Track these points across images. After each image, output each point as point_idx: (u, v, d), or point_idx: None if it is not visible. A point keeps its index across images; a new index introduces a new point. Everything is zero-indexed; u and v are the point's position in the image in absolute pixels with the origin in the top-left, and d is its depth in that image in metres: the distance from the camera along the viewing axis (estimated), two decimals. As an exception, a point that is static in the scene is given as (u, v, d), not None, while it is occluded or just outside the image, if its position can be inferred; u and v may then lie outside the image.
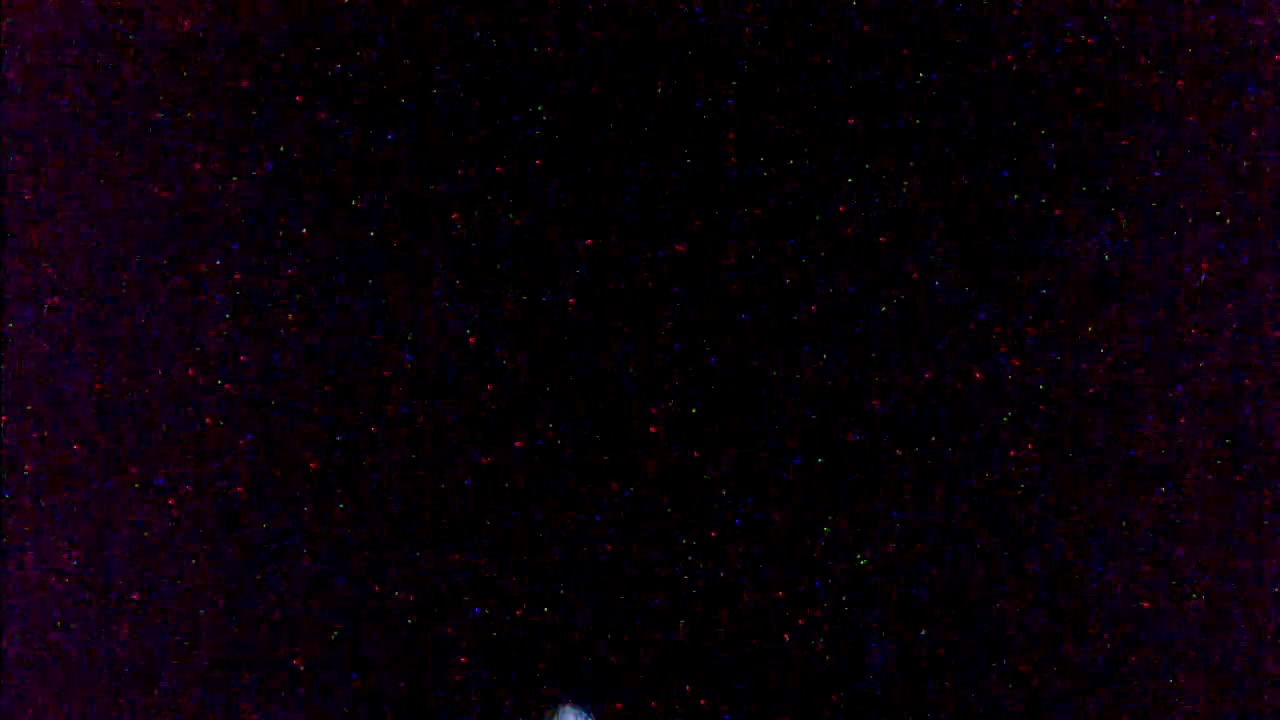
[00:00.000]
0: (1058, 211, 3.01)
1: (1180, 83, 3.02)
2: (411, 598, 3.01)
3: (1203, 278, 3.00)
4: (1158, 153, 3.02)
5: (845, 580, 2.99)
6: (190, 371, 3.05)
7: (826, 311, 3.01)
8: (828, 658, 2.98)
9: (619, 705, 2.99)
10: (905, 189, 3.02)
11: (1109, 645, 2.97)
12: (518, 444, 3.02)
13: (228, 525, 3.04)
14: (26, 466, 3.07)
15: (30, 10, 3.11)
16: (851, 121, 3.02)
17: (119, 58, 3.09)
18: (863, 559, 2.99)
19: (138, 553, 3.04)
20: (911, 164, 3.02)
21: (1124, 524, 2.99)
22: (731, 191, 3.03)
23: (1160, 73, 3.02)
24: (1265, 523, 2.98)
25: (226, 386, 3.05)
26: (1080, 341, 3.00)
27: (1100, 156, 3.02)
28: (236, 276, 3.06)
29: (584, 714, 2.34)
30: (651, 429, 3.01)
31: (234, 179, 3.07)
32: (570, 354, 3.02)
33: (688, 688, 2.99)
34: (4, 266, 3.10)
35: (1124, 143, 3.02)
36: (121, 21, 3.09)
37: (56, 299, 3.08)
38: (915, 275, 3.01)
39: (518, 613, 3.01)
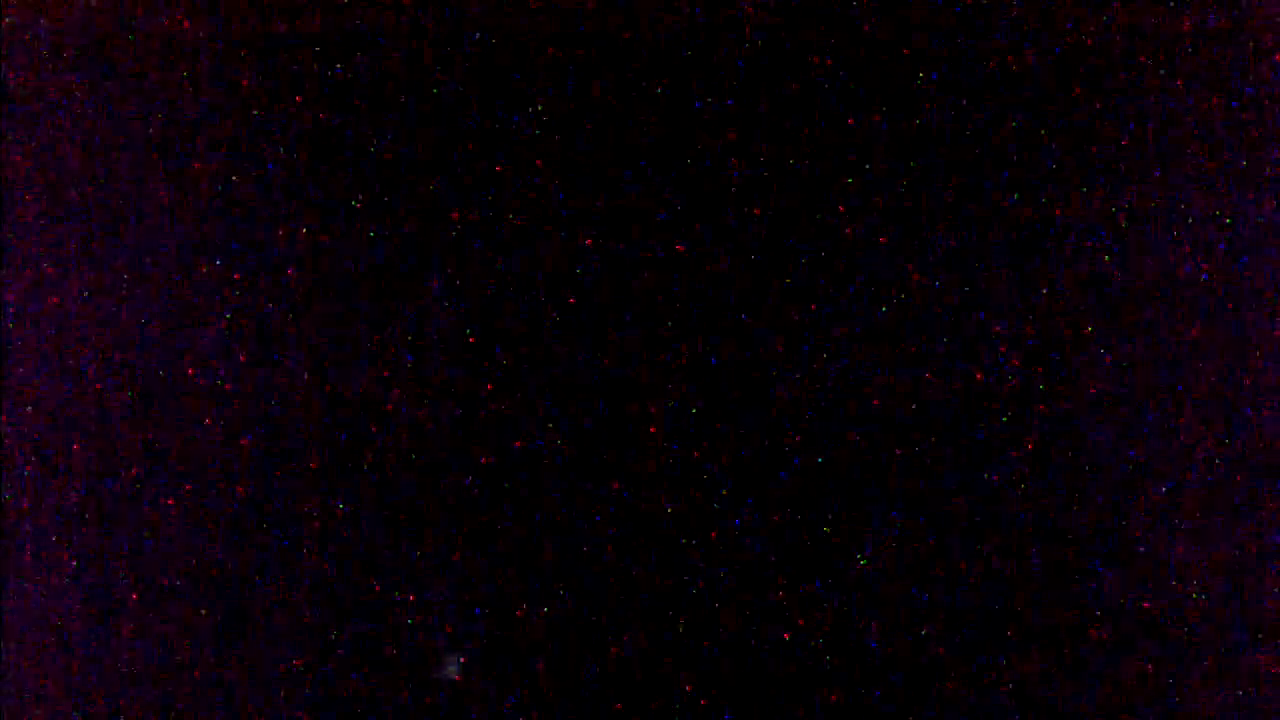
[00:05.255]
0: (1058, 211, 3.01)
1: (1180, 82, 3.02)
2: (411, 598, 3.01)
3: (1203, 278, 3.00)
4: (1158, 153, 3.02)
5: (845, 580, 2.99)
6: (190, 371, 3.05)
7: (826, 311, 3.01)
8: (828, 658, 2.98)
9: (619, 705, 2.99)
10: (905, 189, 3.02)
11: (1109, 645, 2.97)
12: (517, 444, 3.02)
13: (228, 525, 3.04)
14: (26, 466, 3.07)
15: (30, 10, 3.11)
16: (851, 121, 3.02)
17: (119, 58, 3.09)
18: (863, 559, 2.99)
19: (138, 553, 3.04)
20: (912, 164, 3.02)
21: (1124, 524, 2.99)
22: (731, 191, 3.03)
23: (1160, 73, 3.02)
24: (1265, 523, 2.98)
25: (226, 387, 3.05)
26: (1080, 341, 3.00)
27: (1100, 156, 3.02)
28: (236, 276, 3.06)
29: None
30: (651, 429, 3.01)
31: (234, 179, 3.07)
32: (570, 354, 3.02)
33: (688, 688, 2.99)
34: (4, 266, 3.10)
35: (1124, 143, 3.02)
36: (121, 21, 3.09)
37: (56, 299, 3.08)
38: (915, 275, 3.01)
39: (518, 613, 3.01)
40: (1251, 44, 3.02)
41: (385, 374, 3.03)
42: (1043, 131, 3.01)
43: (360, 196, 3.05)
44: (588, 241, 3.03)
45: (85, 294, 3.08)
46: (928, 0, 3.03)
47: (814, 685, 2.98)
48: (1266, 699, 2.97)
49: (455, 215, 3.04)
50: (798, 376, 3.01)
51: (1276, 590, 2.98)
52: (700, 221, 3.02)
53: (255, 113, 3.07)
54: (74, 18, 3.10)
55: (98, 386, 3.06)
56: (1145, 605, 2.97)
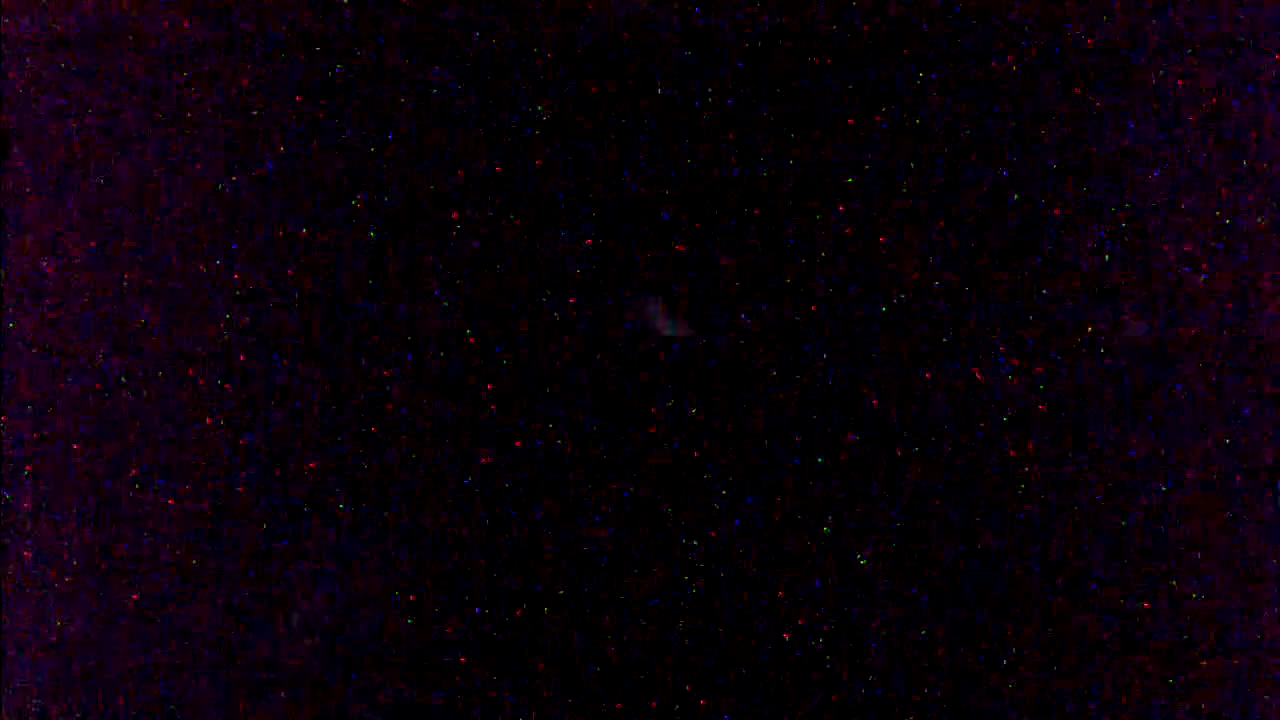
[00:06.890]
0: (1057, 211, 3.01)
1: (1180, 83, 3.02)
2: (411, 598, 3.01)
3: (1203, 278, 3.01)
4: (1158, 153, 3.02)
5: (845, 580, 2.99)
6: (190, 371, 3.05)
7: (826, 311, 3.01)
8: (828, 658, 2.98)
9: (619, 705, 2.99)
10: (905, 189, 3.02)
11: (1109, 645, 2.97)
12: (518, 444, 3.02)
13: (228, 525, 3.04)
14: (26, 466, 3.07)
15: (30, 10, 3.11)
16: (851, 121, 3.03)
17: (119, 58, 3.09)
18: (863, 559, 2.99)
19: (138, 553, 3.04)
20: (912, 164, 3.02)
21: (1124, 524, 2.99)
22: (731, 191, 3.03)
23: (1160, 73, 3.02)
24: (1265, 523, 2.98)
25: (226, 386, 3.05)
26: (1080, 341, 3.01)
27: (1100, 156, 3.02)
28: (236, 276, 3.06)
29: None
30: (651, 429, 3.01)
31: (234, 179, 3.07)
32: (570, 353, 3.03)
33: (688, 688, 2.99)
34: (4, 266, 3.10)
35: (1124, 143, 3.02)
36: (121, 21, 3.09)
37: (56, 299, 3.08)
38: (915, 275, 3.01)
39: (518, 613, 3.01)
40: (1251, 44, 3.02)
41: (385, 374, 3.03)
42: (1043, 131, 3.02)
43: (360, 196, 3.05)
44: (588, 241, 3.03)
45: (85, 294, 3.08)
46: (928, 0, 3.03)
47: (814, 685, 2.98)
48: (1266, 699, 2.97)
49: (455, 215, 3.04)
50: (798, 376, 3.01)
51: (1277, 590, 2.98)
52: (700, 221, 3.03)
53: (255, 113, 3.07)
54: (74, 18, 3.10)
55: (98, 386, 3.06)
56: (1145, 605, 2.98)
